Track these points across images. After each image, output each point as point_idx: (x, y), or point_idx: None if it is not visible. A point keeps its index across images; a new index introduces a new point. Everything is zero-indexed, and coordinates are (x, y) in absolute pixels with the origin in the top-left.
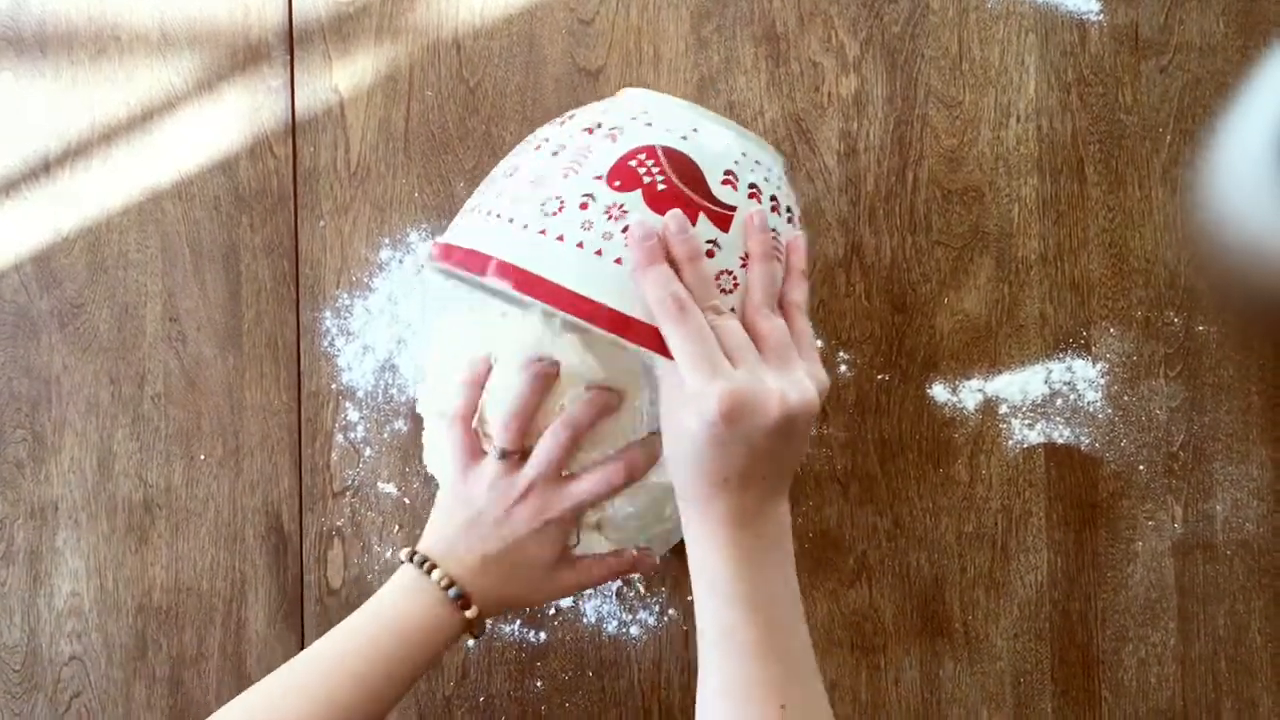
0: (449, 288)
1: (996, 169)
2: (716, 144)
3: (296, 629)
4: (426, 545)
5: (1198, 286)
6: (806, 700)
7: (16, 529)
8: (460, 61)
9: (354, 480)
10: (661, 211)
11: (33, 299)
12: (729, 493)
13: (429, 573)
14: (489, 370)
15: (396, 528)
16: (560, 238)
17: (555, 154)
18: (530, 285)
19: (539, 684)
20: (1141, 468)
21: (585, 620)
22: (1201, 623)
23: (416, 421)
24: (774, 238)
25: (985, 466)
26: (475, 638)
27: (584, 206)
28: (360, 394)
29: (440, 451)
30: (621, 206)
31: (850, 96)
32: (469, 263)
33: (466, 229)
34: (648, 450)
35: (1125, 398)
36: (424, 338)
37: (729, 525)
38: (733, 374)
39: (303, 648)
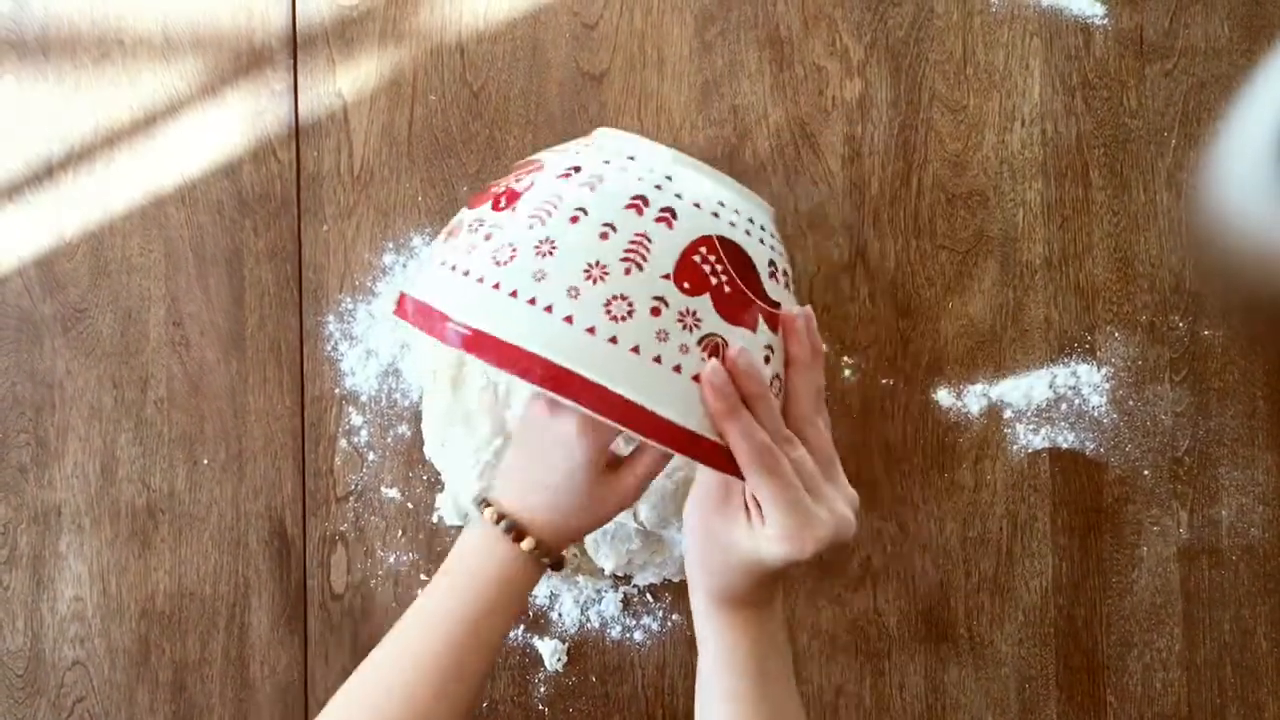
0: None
1: (1001, 173)
2: (751, 227)
3: (299, 634)
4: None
5: (1202, 291)
6: None
7: (20, 534)
8: (464, 65)
9: (357, 485)
10: (728, 316)
11: (36, 303)
12: (778, 591)
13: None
14: None
15: (400, 532)
16: (635, 349)
17: (604, 236)
18: (601, 403)
19: (543, 689)
20: (1146, 473)
21: (589, 625)
22: (1207, 628)
23: (419, 426)
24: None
25: (990, 471)
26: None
27: (655, 313)
28: (363, 398)
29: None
30: (695, 314)
31: (854, 100)
32: (503, 359)
33: (488, 307)
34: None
35: (1130, 402)
36: (428, 343)
37: (778, 618)
38: (822, 517)
39: (305, 653)
